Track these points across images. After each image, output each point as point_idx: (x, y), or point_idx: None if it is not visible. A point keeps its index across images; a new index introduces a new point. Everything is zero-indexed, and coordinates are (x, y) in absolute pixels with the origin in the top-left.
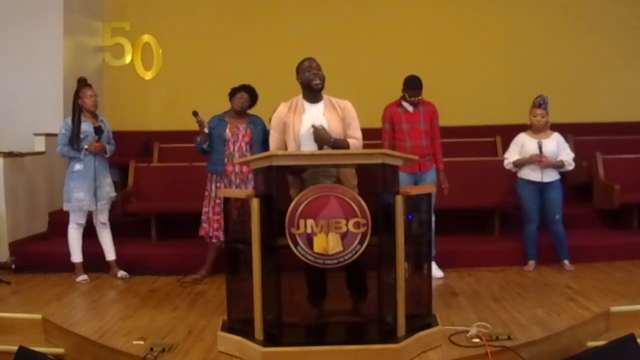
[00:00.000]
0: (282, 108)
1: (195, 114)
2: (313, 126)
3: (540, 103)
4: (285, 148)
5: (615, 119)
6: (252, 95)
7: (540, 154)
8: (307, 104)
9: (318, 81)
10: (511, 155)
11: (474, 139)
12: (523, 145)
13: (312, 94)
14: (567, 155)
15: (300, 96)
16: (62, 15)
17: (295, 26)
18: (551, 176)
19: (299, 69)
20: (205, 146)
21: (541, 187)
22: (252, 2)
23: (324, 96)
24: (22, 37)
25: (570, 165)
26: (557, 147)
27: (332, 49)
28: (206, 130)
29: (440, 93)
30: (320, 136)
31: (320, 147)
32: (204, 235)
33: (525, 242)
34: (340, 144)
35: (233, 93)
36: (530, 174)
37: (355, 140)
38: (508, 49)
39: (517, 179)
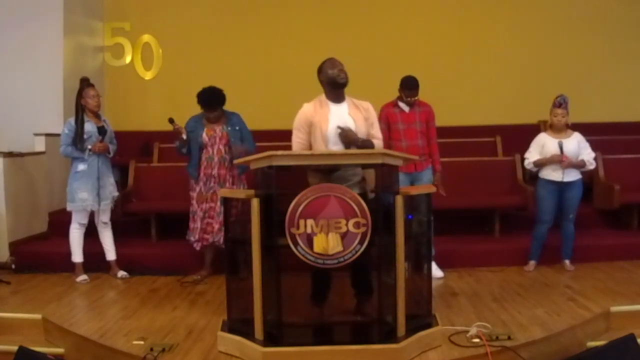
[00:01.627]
0: (308, 108)
1: (171, 121)
2: (339, 127)
3: (560, 103)
4: (310, 148)
5: (615, 119)
6: (221, 104)
7: (561, 154)
8: (331, 104)
9: (343, 75)
10: (532, 155)
11: (474, 139)
12: (544, 145)
13: (336, 92)
14: (588, 155)
15: (323, 96)
16: (62, 15)
17: (295, 26)
18: (572, 176)
19: (322, 69)
20: (184, 150)
21: (562, 187)
22: (252, 2)
23: (346, 97)
24: (22, 37)
25: (591, 165)
26: (577, 146)
27: (332, 50)
28: (184, 137)
29: (441, 93)
30: (348, 137)
31: (347, 148)
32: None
33: (532, 241)
34: (367, 144)
35: (206, 108)
36: (551, 174)
37: (378, 140)
38: (508, 49)
39: (537, 179)
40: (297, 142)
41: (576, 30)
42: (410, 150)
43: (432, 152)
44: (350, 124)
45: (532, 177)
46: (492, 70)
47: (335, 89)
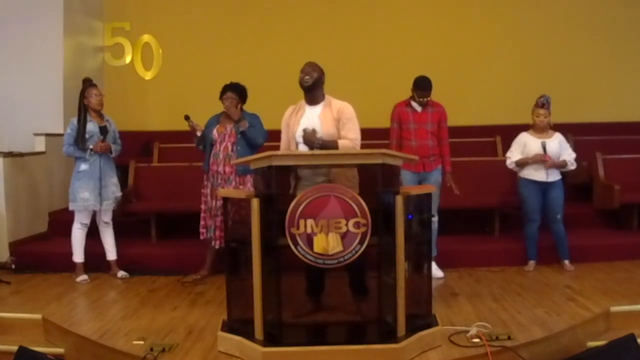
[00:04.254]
0: (287, 111)
1: (186, 118)
2: (303, 129)
3: (543, 103)
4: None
5: (615, 119)
6: (239, 93)
7: (545, 154)
8: (307, 107)
9: (303, 76)
10: (513, 155)
11: (474, 139)
12: (525, 145)
13: (308, 95)
14: (569, 155)
15: (303, 99)
16: (62, 15)
17: (296, 25)
18: (554, 176)
19: None
20: (201, 147)
21: (544, 186)
22: (253, 2)
23: (326, 98)
24: (22, 37)
25: (572, 165)
26: (559, 147)
27: (333, 50)
28: (198, 134)
29: (441, 93)
30: (306, 139)
31: (310, 149)
32: (204, 239)
33: (526, 242)
34: (328, 145)
35: (221, 94)
36: (534, 173)
37: (347, 140)
38: (508, 49)
39: (518, 179)
40: (281, 142)
41: (576, 31)
42: (419, 150)
43: (443, 152)
44: (317, 125)
45: None
46: (491, 71)
47: (304, 92)
